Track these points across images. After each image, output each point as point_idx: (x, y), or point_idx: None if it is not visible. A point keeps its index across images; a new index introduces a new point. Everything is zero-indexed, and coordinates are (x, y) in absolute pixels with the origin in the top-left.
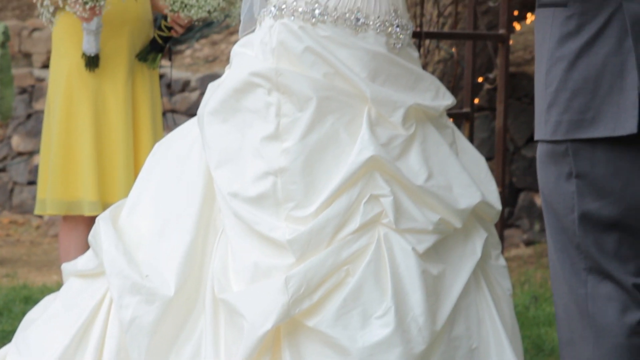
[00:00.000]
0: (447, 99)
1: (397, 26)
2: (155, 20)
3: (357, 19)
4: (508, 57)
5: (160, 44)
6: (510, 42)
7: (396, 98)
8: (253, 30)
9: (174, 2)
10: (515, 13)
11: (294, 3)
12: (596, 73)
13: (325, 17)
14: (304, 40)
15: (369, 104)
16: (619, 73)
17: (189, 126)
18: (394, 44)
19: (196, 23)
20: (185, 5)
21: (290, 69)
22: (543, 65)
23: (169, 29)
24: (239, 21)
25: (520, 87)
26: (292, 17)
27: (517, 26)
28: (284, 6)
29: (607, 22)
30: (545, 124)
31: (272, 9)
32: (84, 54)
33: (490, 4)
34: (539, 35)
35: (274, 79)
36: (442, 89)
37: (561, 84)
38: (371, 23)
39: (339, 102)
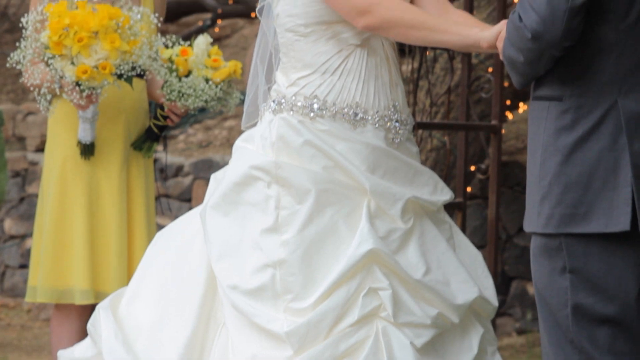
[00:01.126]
0: (446, 194)
1: (397, 121)
2: (150, 106)
3: (356, 114)
4: (500, 147)
5: (155, 133)
6: (503, 131)
7: (395, 191)
8: (255, 124)
9: (170, 92)
10: (508, 102)
11: (293, 98)
12: (590, 168)
13: (324, 112)
14: (303, 134)
15: (369, 196)
16: (613, 169)
17: (191, 217)
18: (393, 138)
19: (192, 111)
20: (182, 95)
21: (290, 162)
22: (537, 158)
23: (165, 117)
24: (235, 108)
25: (512, 176)
26: (291, 112)
27: (509, 115)
28: (283, 101)
29: (602, 118)
30: (537, 217)
31: (272, 103)
32: (79, 142)
33: (483, 94)
34: (533, 127)
35: (273, 172)
36: (441, 183)
37: (555, 177)
38: (370, 118)
39: (338, 194)
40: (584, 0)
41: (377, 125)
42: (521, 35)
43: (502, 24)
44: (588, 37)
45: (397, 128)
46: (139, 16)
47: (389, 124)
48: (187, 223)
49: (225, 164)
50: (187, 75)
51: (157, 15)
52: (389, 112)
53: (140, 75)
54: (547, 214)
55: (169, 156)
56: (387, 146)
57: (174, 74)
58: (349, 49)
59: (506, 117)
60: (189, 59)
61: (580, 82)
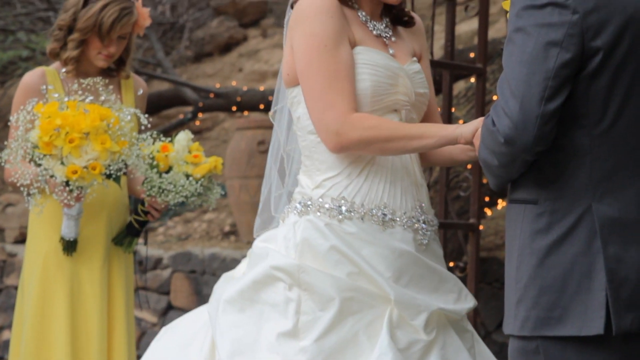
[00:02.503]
0: (469, 302)
1: (424, 222)
2: (129, 200)
3: (384, 215)
4: (478, 245)
5: (136, 228)
6: (481, 227)
7: (420, 302)
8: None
9: (151, 187)
10: (487, 199)
11: (320, 200)
12: (565, 272)
13: (352, 214)
14: (329, 239)
15: (392, 306)
16: (587, 273)
17: (198, 313)
18: (421, 240)
19: (172, 207)
20: (163, 191)
21: (314, 266)
22: (514, 260)
23: (146, 213)
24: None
25: (491, 272)
26: (319, 214)
27: (488, 212)
28: (309, 202)
29: (577, 223)
30: (514, 319)
31: (297, 205)
32: (62, 238)
33: (461, 192)
34: (510, 230)
35: (296, 275)
36: (465, 290)
37: (530, 280)
38: (398, 219)
39: (361, 303)
40: (556, 106)
41: (405, 226)
42: (495, 139)
43: (480, 121)
44: (562, 141)
45: (425, 229)
46: (128, 117)
47: (416, 225)
48: (193, 320)
49: (205, 257)
50: (167, 171)
51: (147, 116)
52: (416, 213)
53: (123, 172)
54: (523, 316)
55: (148, 248)
56: (415, 249)
57: (155, 170)
58: None
59: (485, 213)
60: (169, 155)
61: (555, 186)
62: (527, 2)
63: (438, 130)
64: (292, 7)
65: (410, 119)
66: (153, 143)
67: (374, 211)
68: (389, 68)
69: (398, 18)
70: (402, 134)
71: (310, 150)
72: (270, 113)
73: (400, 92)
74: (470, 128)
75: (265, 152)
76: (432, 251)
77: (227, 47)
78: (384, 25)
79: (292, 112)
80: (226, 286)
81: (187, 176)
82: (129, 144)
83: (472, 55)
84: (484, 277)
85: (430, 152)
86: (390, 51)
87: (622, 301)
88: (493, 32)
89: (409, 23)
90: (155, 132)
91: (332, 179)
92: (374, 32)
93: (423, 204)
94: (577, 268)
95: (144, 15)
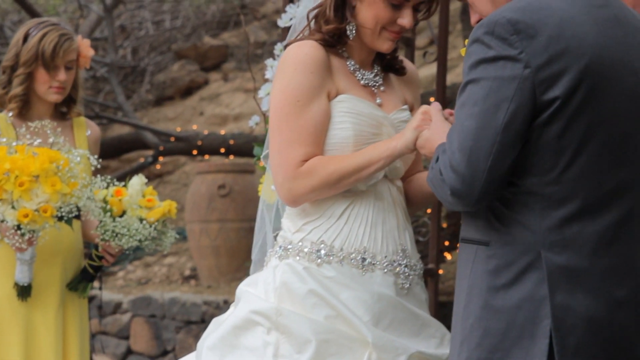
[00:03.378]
0: None
1: (406, 266)
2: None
3: (364, 259)
4: (437, 290)
5: (91, 274)
6: (440, 271)
7: (398, 344)
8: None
9: (104, 232)
10: (446, 243)
11: (300, 244)
12: (510, 316)
13: (331, 258)
14: (307, 282)
15: (370, 349)
16: (532, 319)
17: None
18: (402, 283)
19: (127, 251)
20: (117, 235)
21: (291, 309)
22: (462, 299)
23: (100, 258)
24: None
25: (449, 317)
26: (298, 257)
27: (448, 256)
28: (289, 246)
29: (526, 268)
30: (457, 358)
31: (278, 249)
32: (16, 284)
33: (420, 238)
34: (461, 269)
35: (273, 318)
36: (448, 336)
37: (476, 320)
38: (378, 263)
39: (339, 345)
40: (504, 161)
41: (385, 270)
42: (443, 190)
43: (417, 123)
44: (514, 187)
45: (407, 273)
46: (78, 158)
47: (398, 269)
48: None
49: (165, 301)
50: (121, 216)
51: (96, 157)
52: (398, 257)
53: (76, 216)
54: (465, 356)
55: (107, 293)
56: (396, 294)
57: (108, 214)
58: (355, 194)
59: (444, 257)
60: (122, 199)
61: (506, 230)
62: (480, 55)
63: (383, 152)
64: (285, 47)
65: (394, 167)
66: (107, 187)
67: (353, 255)
68: (372, 117)
69: (390, 66)
70: (351, 169)
71: None
72: (262, 155)
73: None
74: (410, 138)
75: (225, 196)
76: (414, 295)
77: (188, 91)
78: (374, 74)
79: None
80: (211, 332)
81: (141, 220)
82: (80, 186)
83: (431, 100)
84: (444, 321)
85: (410, 197)
86: (378, 100)
87: (569, 349)
88: (452, 77)
89: (400, 72)
90: (108, 177)
91: (313, 222)
92: (362, 82)
93: (406, 248)
94: (523, 313)
95: (85, 45)
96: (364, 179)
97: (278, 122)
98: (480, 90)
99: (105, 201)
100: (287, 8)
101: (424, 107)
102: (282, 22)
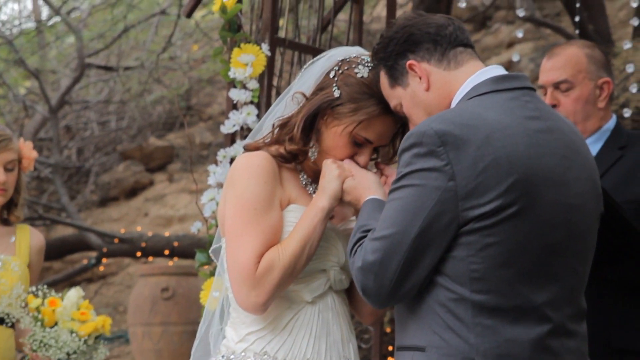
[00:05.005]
0: None
1: None
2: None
3: None
4: None
5: None
6: None
7: None
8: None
9: (33, 341)
10: (390, 348)
11: (243, 354)
12: None
13: None
14: None
15: None
16: None
17: None
18: None
19: None
20: (44, 345)
21: None
22: None
23: None
24: None
25: None
26: None
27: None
28: (232, 356)
29: None
30: None
31: (221, 358)
32: None
33: (362, 344)
34: None
35: None
36: None
37: None
38: None
39: None
40: (415, 264)
41: None
42: (356, 279)
43: (329, 170)
44: (448, 293)
45: None
46: (16, 268)
47: None
48: None
49: None
50: (52, 327)
51: (18, 263)
52: None
53: (6, 324)
54: None
55: None
56: None
57: (39, 323)
58: (299, 305)
59: None
60: (56, 310)
61: (439, 335)
62: (408, 164)
63: (312, 219)
64: (243, 148)
65: (339, 279)
66: (43, 297)
67: None
68: None
69: None
70: (299, 249)
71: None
72: (211, 249)
73: (331, 254)
74: (336, 188)
75: (169, 299)
76: None
77: (133, 192)
78: None
79: (223, 261)
80: None
81: (72, 332)
82: (15, 296)
83: None
84: None
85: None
86: None
87: None
88: None
89: None
90: (45, 287)
91: (257, 332)
92: (313, 194)
93: (350, 359)
94: None
95: (28, 148)
96: (314, 248)
97: (235, 228)
98: (405, 196)
99: (38, 310)
100: (231, 114)
101: (329, 160)
102: (225, 128)
